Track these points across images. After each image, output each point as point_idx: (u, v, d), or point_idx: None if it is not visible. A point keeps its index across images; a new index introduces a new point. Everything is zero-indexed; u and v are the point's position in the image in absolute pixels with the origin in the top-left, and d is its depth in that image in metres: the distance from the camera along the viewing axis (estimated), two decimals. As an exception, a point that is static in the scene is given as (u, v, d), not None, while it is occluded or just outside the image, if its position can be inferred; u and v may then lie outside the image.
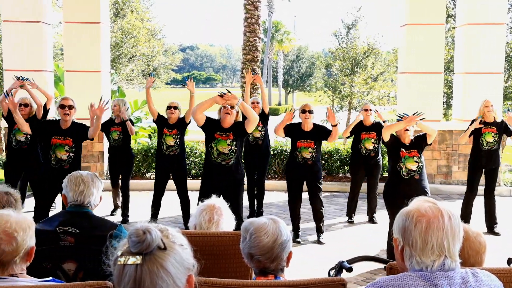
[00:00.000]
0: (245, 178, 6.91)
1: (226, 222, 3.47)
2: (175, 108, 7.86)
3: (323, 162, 11.27)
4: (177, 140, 7.82)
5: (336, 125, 7.07)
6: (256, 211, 8.78)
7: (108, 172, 9.14)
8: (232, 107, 6.44)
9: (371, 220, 8.59)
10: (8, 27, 10.56)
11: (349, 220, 8.61)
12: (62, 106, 6.67)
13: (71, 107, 6.69)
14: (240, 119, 6.52)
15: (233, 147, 6.44)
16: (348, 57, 25.10)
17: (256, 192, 8.78)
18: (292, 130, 7.27)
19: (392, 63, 26.16)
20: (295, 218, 7.48)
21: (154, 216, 7.94)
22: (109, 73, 11.93)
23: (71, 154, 6.65)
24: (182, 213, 8.02)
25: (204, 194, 6.36)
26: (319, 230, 7.49)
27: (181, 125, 7.88)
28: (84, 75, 10.89)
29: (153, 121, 8.06)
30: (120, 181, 8.83)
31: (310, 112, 7.18)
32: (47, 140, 6.67)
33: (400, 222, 2.08)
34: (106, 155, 10.79)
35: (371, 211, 8.62)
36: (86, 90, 10.53)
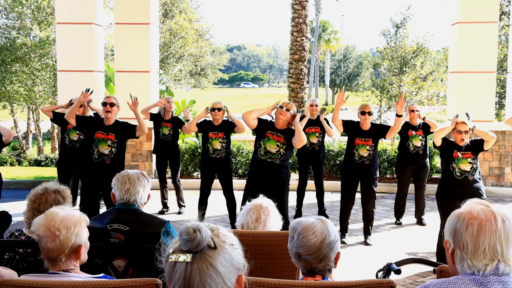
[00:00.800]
0: (290, 179, 6.90)
1: (273, 222, 3.47)
2: (219, 109, 7.69)
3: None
4: (224, 144, 7.70)
5: (401, 115, 6.99)
6: (319, 210, 8.87)
7: (156, 168, 9.32)
8: (288, 110, 6.46)
9: (420, 222, 8.44)
10: (62, 29, 10.85)
11: (397, 222, 8.49)
12: (104, 104, 6.80)
13: (112, 105, 6.76)
14: (298, 120, 6.45)
15: (281, 150, 6.44)
16: (396, 56, 24.73)
17: (316, 193, 8.89)
18: (351, 128, 7.21)
19: (442, 62, 25.65)
20: (344, 219, 7.41)
21: (203, 215, 8.00)
22: (158, 73, 12.10)
23: (113, 149, 6.71)
24: (228, 213, 8.05)
25: (249, 192, 6.40)
26: (367, 232, 7.41)
27: (227, 127, 7.76)
28: (133, 75, 11.09)
29: (196, 133, 8.05)
30: (166, 178, 9.05)
31: (370, 113, 7.12)
32: (91, 134, 6.78)
33: (451, 224, 2.04)
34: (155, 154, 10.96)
35: (419, 213, 8.48)
36: (135, 90, 10.70)
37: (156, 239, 3.36)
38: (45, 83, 19.53)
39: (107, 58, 21.05)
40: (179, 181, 9.04)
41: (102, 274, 2.76)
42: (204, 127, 7.79)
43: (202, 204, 7.96)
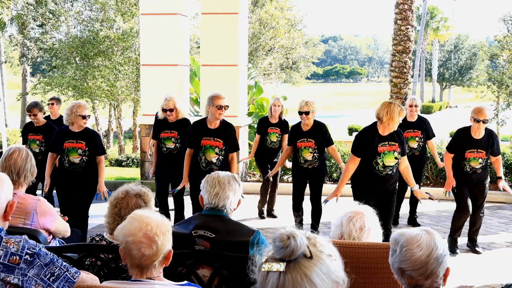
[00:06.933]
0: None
1: (377, 231, 3.39)
2: (171, 110, 7.82)
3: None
4: (315, 154, 7.78)
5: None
6: (409, 217, 8.78)
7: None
8: None
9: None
10: (146, 20, 11.16)
11: None
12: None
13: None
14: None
15: (399, 160, 6.44)
16: (518, 46, 23.74)
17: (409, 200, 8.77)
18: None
19: None
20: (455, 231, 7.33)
21: (300, 222, 8.02)
22: (246, 67, 12.20)
23: (220, 157, 6.93)
24: (312, 221, 7.97)
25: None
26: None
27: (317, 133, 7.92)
28: (220, 69, 11.23)
29: None
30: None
31: (484, 122, 6.89)
32: (199, 142, 7.00)
33: None
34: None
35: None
36: (222, 85, 10.87)
37: (244, 248, 3.40)
38: (127, 78, 20.23)
39: (192, 51, 21.53)
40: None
41: (185, 282, 2.81)
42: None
43: (297, 210, 8.01)
